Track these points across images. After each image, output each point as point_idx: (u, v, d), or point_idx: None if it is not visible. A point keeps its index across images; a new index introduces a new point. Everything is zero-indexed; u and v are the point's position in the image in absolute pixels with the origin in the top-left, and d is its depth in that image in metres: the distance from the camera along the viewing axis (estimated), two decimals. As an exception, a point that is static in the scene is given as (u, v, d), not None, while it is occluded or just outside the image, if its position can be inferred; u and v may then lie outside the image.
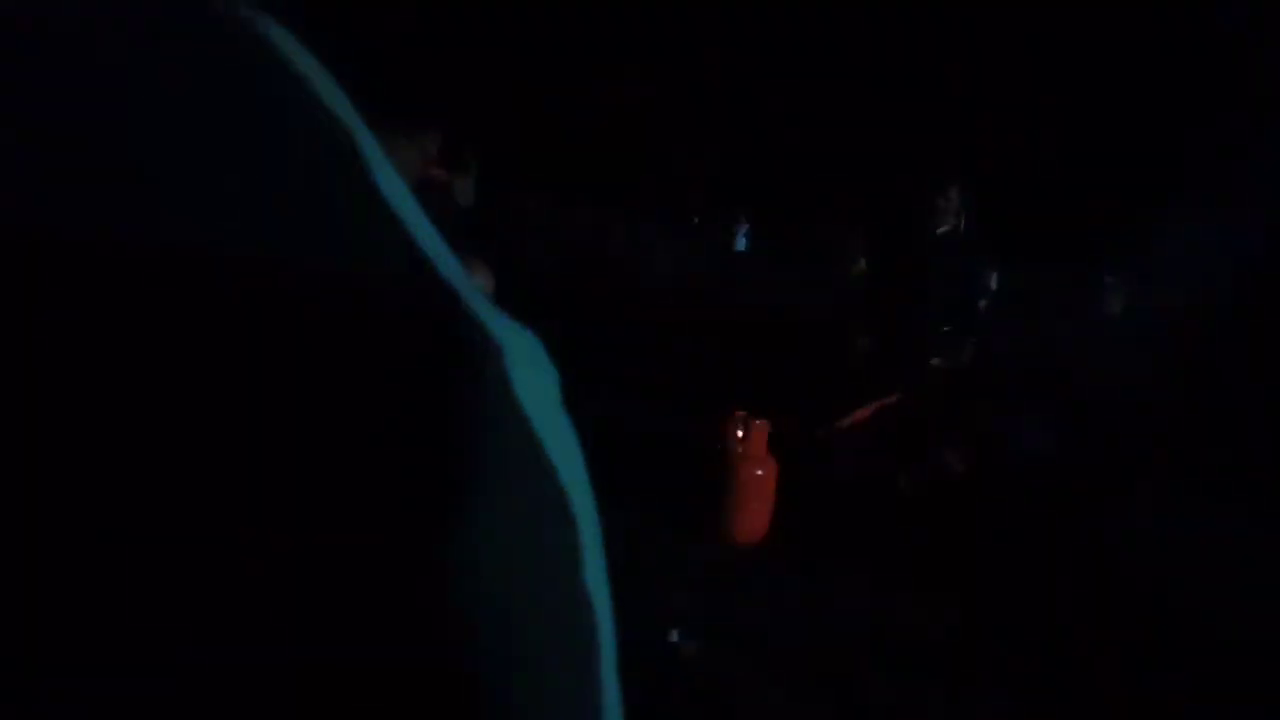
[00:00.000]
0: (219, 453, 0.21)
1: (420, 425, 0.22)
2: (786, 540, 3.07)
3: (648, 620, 2.51)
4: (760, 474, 3.17)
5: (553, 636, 0.23)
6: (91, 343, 0.21)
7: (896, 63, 8.09)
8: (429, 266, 0.24)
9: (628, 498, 3.44)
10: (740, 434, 3.15)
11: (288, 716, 0.20)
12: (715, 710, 2.19)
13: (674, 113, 10.45)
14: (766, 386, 3.57)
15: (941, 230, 3.81)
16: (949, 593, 2.92)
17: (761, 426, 3.17)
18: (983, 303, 4.08)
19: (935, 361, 3.65)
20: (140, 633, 0.20)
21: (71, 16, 0.25)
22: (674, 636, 2.48)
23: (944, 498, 3.37)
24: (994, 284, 4.96)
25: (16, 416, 0.20)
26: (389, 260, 0.24)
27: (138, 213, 0.22)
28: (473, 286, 0.26)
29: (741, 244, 11.44)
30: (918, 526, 3.23)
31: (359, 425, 0.21)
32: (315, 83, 0.26)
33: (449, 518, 0.21)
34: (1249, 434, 4.57)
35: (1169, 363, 4.39)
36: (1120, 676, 2.58)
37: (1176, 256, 4.86)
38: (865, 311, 3.89)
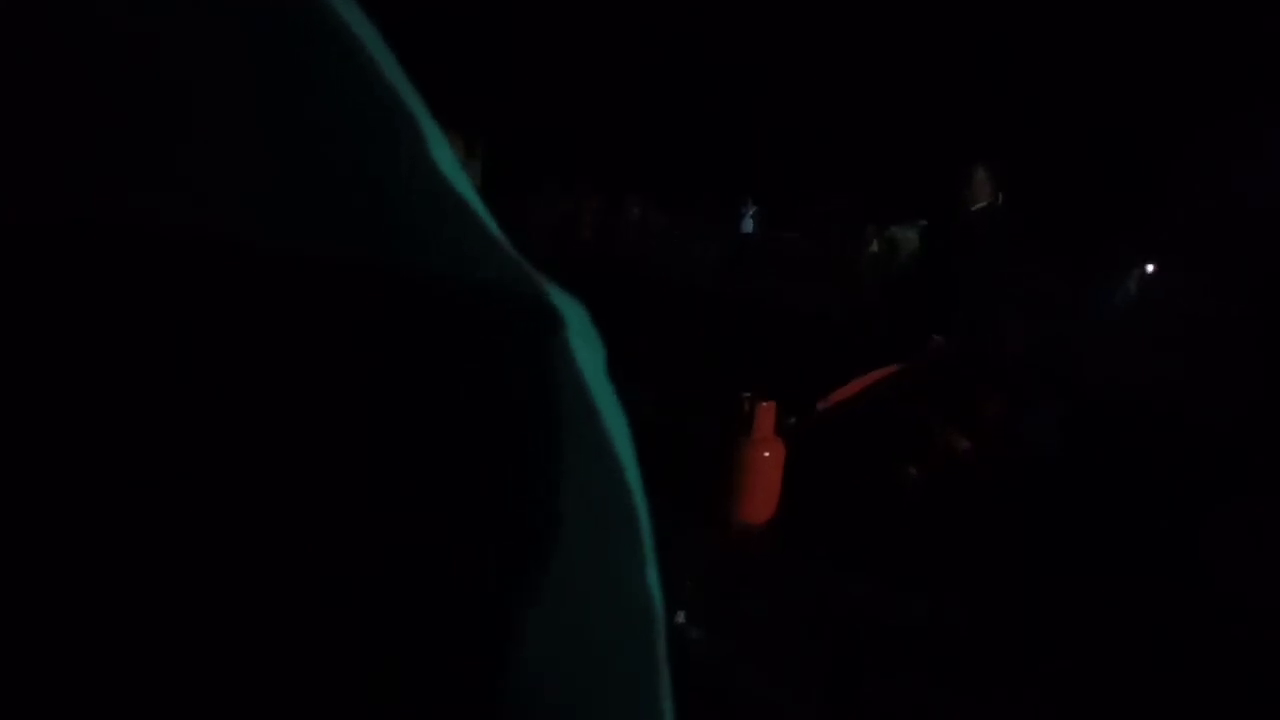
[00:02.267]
0: (276, 463, 0.19)
1: (502, 426, 0.20)
2: (794, 525, 3.07)
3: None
4: (767, 455, 3.16)
5: (617, 638, 0.22)
6: (132, 353, 0.19)
7: (914, 35, 8.01)
8: (499, 245, 0.23)
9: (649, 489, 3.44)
10: (747, 415, 3.14)
11: None
12: (720, 696, 2.20)
13: (676, 90, 10.38)
14: (774, 368, 3.56)
15: (976, 208, 3.76)
16: (957, 583, 2.92)
17: (768, 408, 3.17)
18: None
19: (937, 338, 3.62)
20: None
21: None
22: (680, 618, 2.49)
23: (952, 488, 3.36)
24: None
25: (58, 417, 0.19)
26: (461, 244, 0.23)
27: (186, 202, 0.21)
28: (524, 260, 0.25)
29: (748, 226, 11.38)
30: (925, 516, 3.23)
31: (440, 431, 0.20)
32: (375, 55, 0.24)
33: (537, 541, 0.20)
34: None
35: (1184, 358, 4.37)
36: (1128, 674, 2.58)
37: (1198, 247, 4.83)
38: (883, 292, 3.86)
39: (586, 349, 0.24)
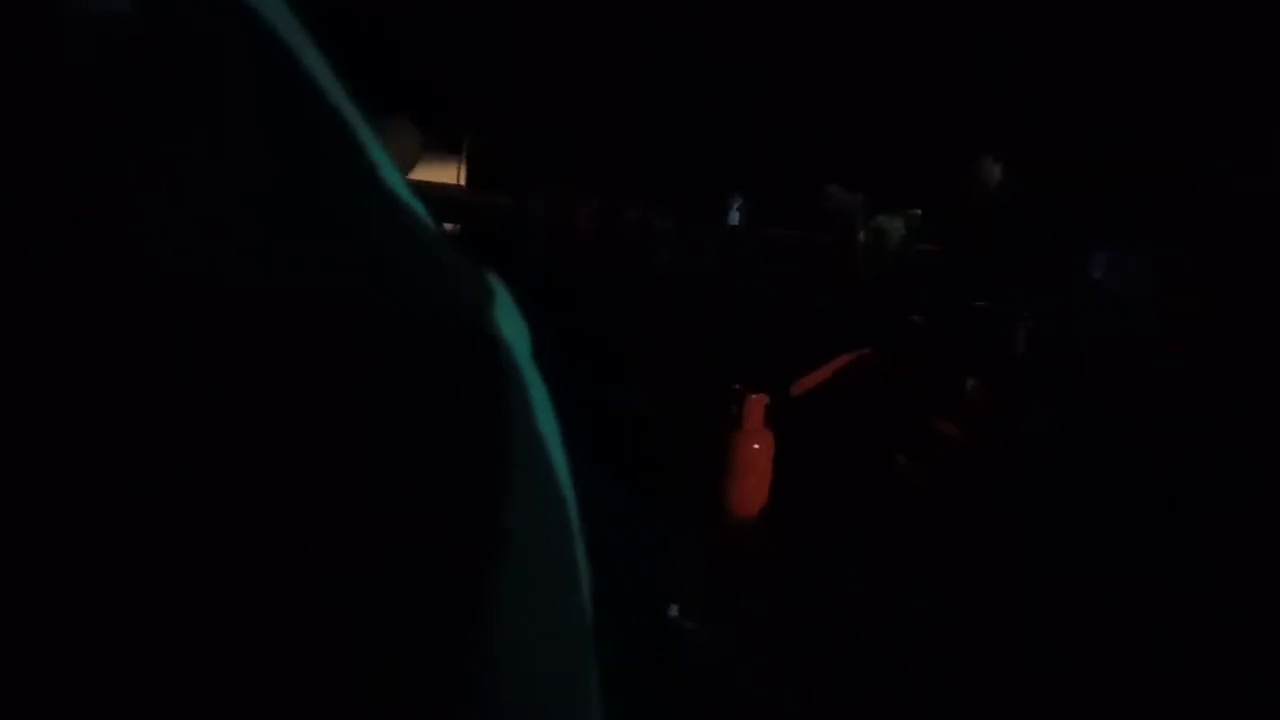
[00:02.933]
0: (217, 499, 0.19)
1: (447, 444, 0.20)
2: (787, 517, 3.07)
3: (647, 597, 2.52)
4: (757, 448, 3.17)
5: (549, 658, 0.22)
6: (82, 393, 0.19)
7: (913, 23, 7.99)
8: (441, 256, 0.23)
9: (623, 472, 3.46)
10: (736, 407, 3.14)
11: None
12: (715, 689, 2.20)
13: (662, 82, 10.36)
14: (765, 361, 3.56)
15: (985, 199, 3.73)
16: (954, 574, 2.92)
17: (758, 400, 3.17)
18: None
19: (916, 318, 3.60)
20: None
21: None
22: (674, 611, 2.49)
23: (948, 481, 3.36)
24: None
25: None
26: (408, 261, 0.23)
27: (118, 237, 0.20)
28: (451, 244, 0.24)
29: (735, 219, 11.40)
30: (922, 510, 3.24)
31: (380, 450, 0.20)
32: (309, 64, 0.24)
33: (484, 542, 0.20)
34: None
35: (1179, 347, 4.37)
36: (1129, 673, 2.59)
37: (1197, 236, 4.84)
38: (876, 283, 3.83)
39: (515, 333, 0.24)
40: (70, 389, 0.19)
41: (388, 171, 0.23)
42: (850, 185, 5.39)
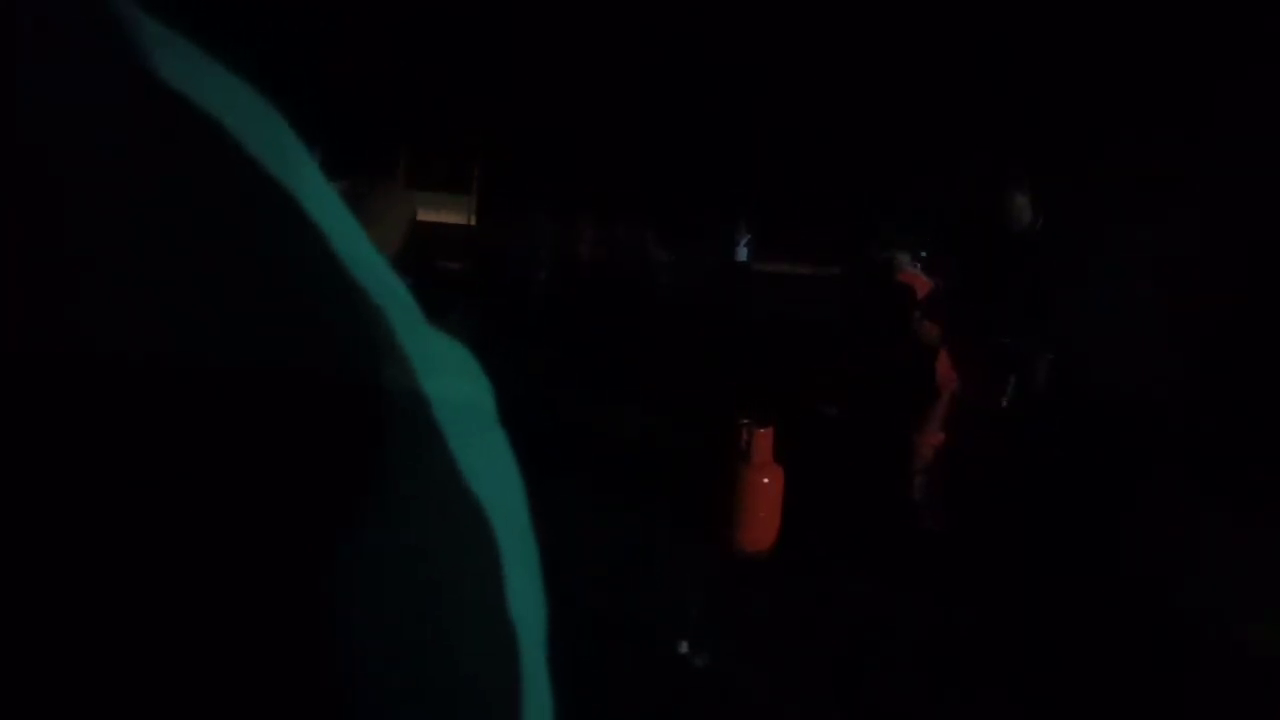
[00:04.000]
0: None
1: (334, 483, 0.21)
2: (796, 548, 3.07)
3: (658, 632, 2.51)
4: (767, 482, 3.17)
5: (465, 672, 0.22)
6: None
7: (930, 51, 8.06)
8: (375, 317, 0.24)
9: (636, 507, 3.46)
10: (746, 442, 3.15)
11: None
12: (723, 714, 2.19)
13: (673, 117, 10.46)
14: (772, 393, 3.57)
15: (1017, 230, 3.69)
16: (961, 598, 2.91)
17: (766, 434, 3.18)
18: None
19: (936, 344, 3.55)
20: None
21: None
22: (683, 648, 2.48)
23: (952, 482, 3.35)
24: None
25: None
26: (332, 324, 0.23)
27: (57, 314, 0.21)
28: (408, 308, 0.25)
29: (743, 254, 11.47)
30: (928, 527, 3.23)
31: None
32: (244, 119, 0.24)
33: (337, 529, 0.20)
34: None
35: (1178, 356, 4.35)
36: (1133, 681, 2.57)
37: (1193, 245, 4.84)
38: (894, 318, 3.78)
39: (461, 391, 0.25)
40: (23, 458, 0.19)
41: (322, 211, 0.23)
42: (854, 222, 5.41)
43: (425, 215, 6.81)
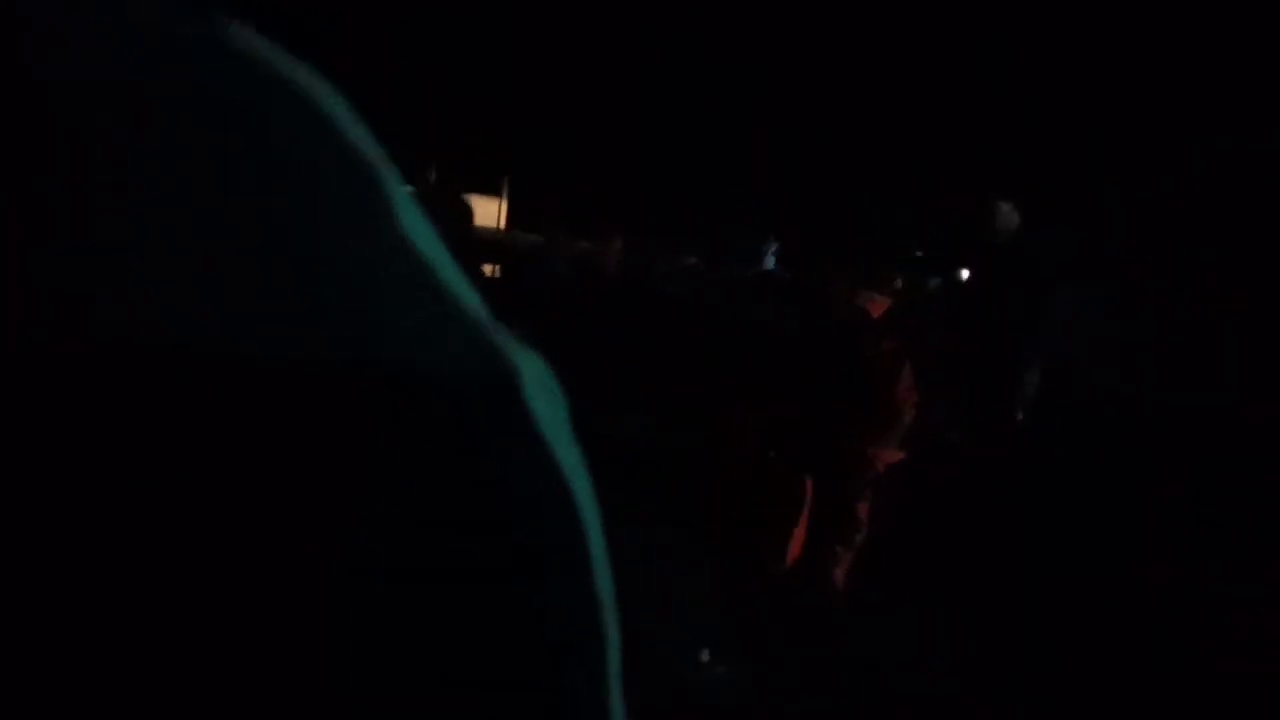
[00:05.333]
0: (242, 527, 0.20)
1: (453, 466, 0.23)
2: (818, 564, 3.05)
3: (679, 641, 2.50)
4: (794, 498, 3.14)
5: (567, 635, 0.24)
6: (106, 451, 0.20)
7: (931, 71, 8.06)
8: (454, 305, 0.25)
9: (660, 523, 3.45)
10: (772, 458, 3.13)
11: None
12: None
13: (701, 135, 10.47)
14: (799, 410, 3.54)
15: (1001, 246, 3.70)
16: (983, 614, 2.89)
17: (794, 450, 3.15)
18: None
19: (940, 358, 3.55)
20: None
21: (66, 61, 0.23)
22: (705, 656, 2.47)
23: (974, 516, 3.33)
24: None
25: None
26: (415, 305, 0.24)
27: (152, 305, 0.21)
28: (489, 315, 0.26)
29: (770, 264, 11.44)
30: (950, 546, 3.20)
31: (394, 476, 0.22)
32: (339, 121, 0.25)
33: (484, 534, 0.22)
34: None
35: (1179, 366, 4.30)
36: (1130, 685, 2.54)
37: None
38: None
39: (545, 401, 0.26)
40: (74, 449, 0.20)
41: (413, 228, 0.25)
42: (875, 235, 5.40)
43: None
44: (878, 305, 3.18)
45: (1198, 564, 3.49)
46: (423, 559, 0.22)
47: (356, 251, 0.23)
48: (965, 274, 4.26)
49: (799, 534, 3.11)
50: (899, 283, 4.70)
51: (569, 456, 0.26)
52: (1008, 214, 3.69)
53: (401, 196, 0.25)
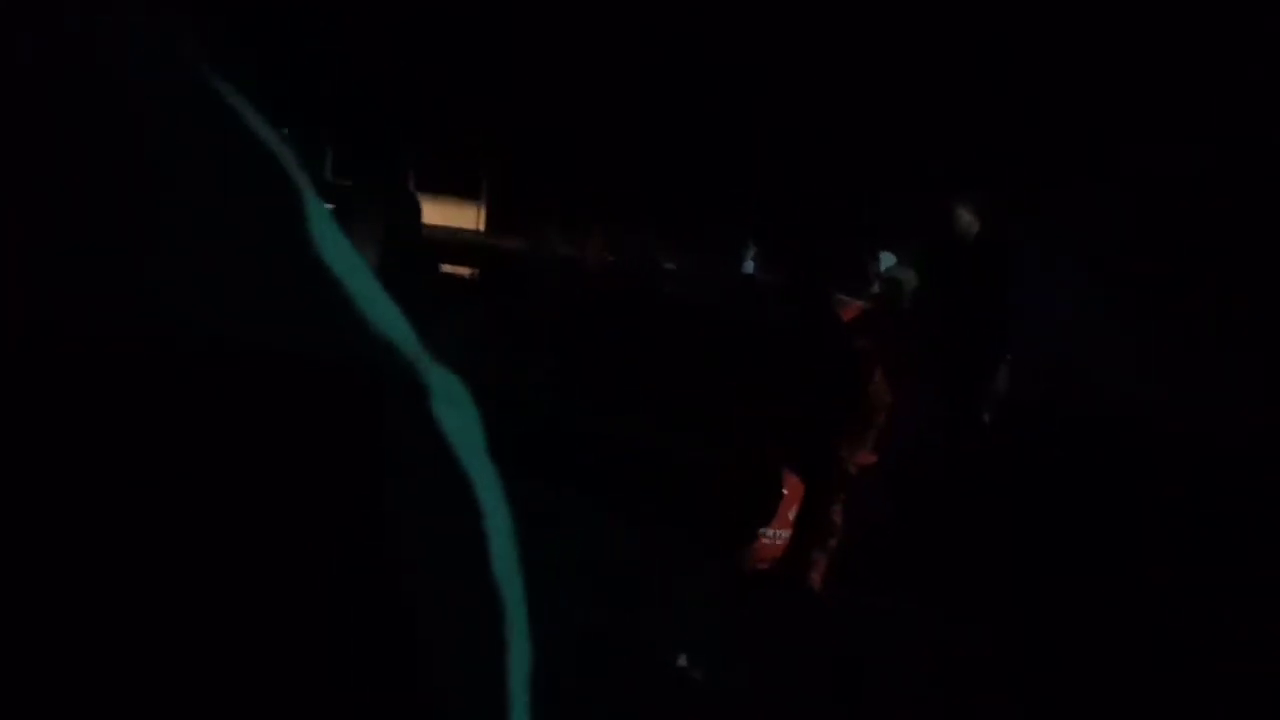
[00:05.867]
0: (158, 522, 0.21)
1: (350, 463, 0.24)
2: (795, 567, 3.06)
3: (659, 647, 2.50)
4: (786, 493, 3.14)
5: (457, 627, 0.25)
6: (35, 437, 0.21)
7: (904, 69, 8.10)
8: (363, 323, 0.26)
9: (645, 523, 3.44)
10: (757, 458, 3.14)
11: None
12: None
13: (679, 129, 10.48)
14: (786, 410, 3.55)
15: (968, 247, 3.75)
16: (970, 612, 2.90)
17: (783, 451, 3.16)
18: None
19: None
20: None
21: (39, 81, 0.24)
22: (682, 661, 2.47)
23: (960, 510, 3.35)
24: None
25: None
26: (325, 321, 0.25)
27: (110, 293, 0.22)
28: (408, 334, 0.27)
29: (749, 268, 11.49)
30: (936, 540, 3.22)
31: (291, 480, 0.23)
32: (271, 146, 0.26)
33: (370, 521, 0.22)
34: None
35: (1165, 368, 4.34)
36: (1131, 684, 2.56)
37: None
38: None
39: (457, 416, 0.27)
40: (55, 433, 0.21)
41: (330, 249, 0.25)
42: (853, 237, 5.44)
43: (434, 219, 6.83)
44: (851, 308, 3.21)
45: (1193, 565, 3.53)
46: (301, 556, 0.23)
47: (264, 258, 0.24)
48: (917, 276, 4.29)
49: (785, 535, 3.11)
50: (875, 286, 4.74)
51: (479, 469, 0.27)
52: (965, 216, 3.73)
53: (315, 206, 0.26)
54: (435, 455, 0.26)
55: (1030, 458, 4.11)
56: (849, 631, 2.78)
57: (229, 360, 0.23)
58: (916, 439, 3.34)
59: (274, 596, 0.22)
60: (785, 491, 3.13)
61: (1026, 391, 3.67)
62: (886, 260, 4.51)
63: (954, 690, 2.51)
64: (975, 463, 3.51)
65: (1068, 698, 2.49)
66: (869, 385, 3.12)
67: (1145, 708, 2.49)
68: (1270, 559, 3.72)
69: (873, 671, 2.55)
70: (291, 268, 0.25)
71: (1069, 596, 3.16)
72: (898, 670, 2.56)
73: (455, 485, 0.26)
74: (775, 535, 3.14)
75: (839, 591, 2.95)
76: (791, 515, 3.14)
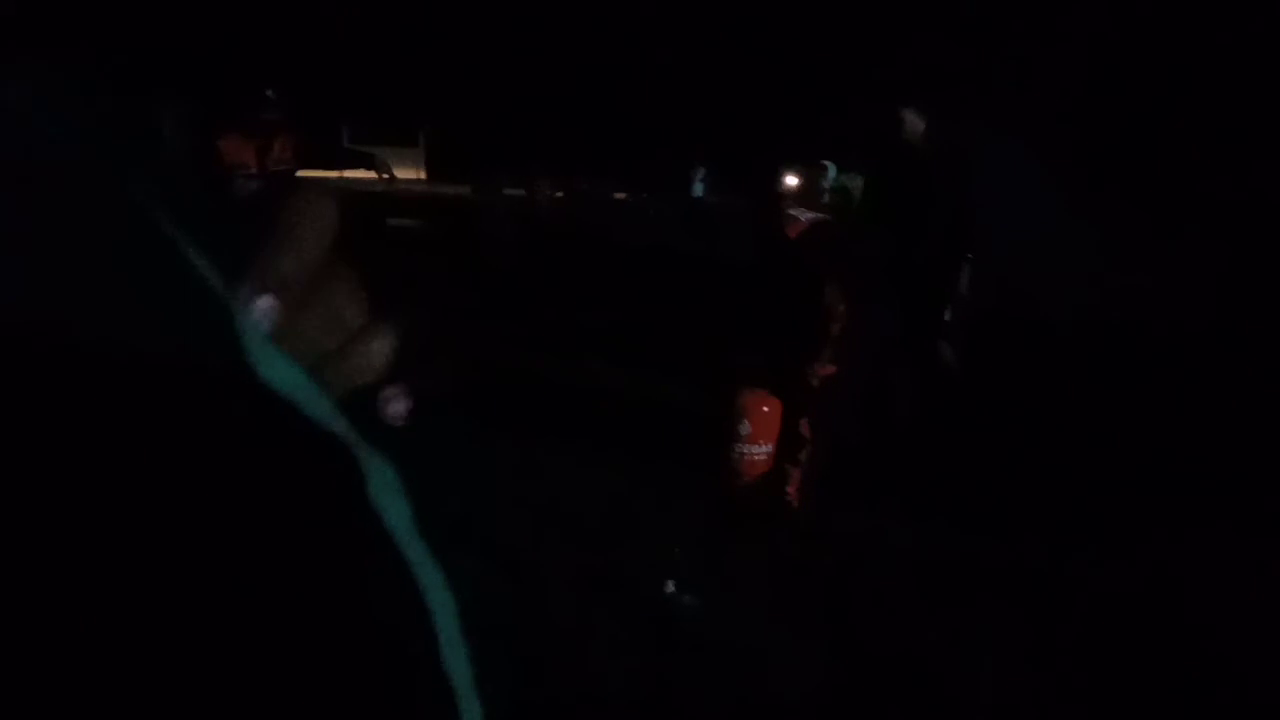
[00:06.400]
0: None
1: (295, 547, 0.25)
2: (780, 478, 3.10)
3: (647, 584, 2.54)
4: (767, 410, 3.15)
5: (405, 714, 0.26)
6: None
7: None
8: (303, 420, 0.27)
9: (629, 464, 3.48)
10: (741, 399, 3.14)
11: None
12: (714, 660, 2.23)
13: (620, 63, 10.31)
14: (755, 339, 3.56)
15: (917, 152, 3.73)
16: (949, 528, 2.96)
17: (764, 391, 3.16)
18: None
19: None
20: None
21: None
22: (669, 588, 2.51)
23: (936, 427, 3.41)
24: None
25: None
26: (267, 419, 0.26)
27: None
28: (342, 423, 0.29)
29: (699, 190, 11.40)
30: (911, 460, 3.27)
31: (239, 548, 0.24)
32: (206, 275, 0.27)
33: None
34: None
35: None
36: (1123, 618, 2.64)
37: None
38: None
39: (390, 499, 0.28)
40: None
41: (262, 354, 0.26)
42: (806, 149, 5.40)
43: (370, 172, 6.64)
44: (801, 222, 3.19)
45: (1166, 461, 3.61)
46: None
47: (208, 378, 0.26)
48: (865, 184, 4.28)
49: (770, 450, 3.14)
50: (825, 197, 4.73)
51: (415, 550, 0.28)
52: (911, 118, 3.70)
53: (250, 326, 0.27)
54: (374, 538, 0.27)
55: (996, 361, 4.17)
56: (831, 552, 2.84)
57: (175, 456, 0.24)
58: (878, 348, 3.38)
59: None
60: (767, 409, 3.15)
61: (988, 293, 3.70)
62: (833, 171, 4.50)
63: (932, 599, 2.57)
64: (940, 370, 3.55)
65: (1052, 611, 2.57)
66: (821, 296, 3.14)
67: (1122, 607, 2.58)
68: (1232, 442, 3.85)
69: (858, 592, 2.61)
70: (236, 390, 0.26)
71: (1045, 504, 3.24)
72: (880, 590, 2.62)
73: (394, 566, 0.27)
74: (760, 450, 3.17)
75: (818, 510, 3.00)
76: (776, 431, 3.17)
